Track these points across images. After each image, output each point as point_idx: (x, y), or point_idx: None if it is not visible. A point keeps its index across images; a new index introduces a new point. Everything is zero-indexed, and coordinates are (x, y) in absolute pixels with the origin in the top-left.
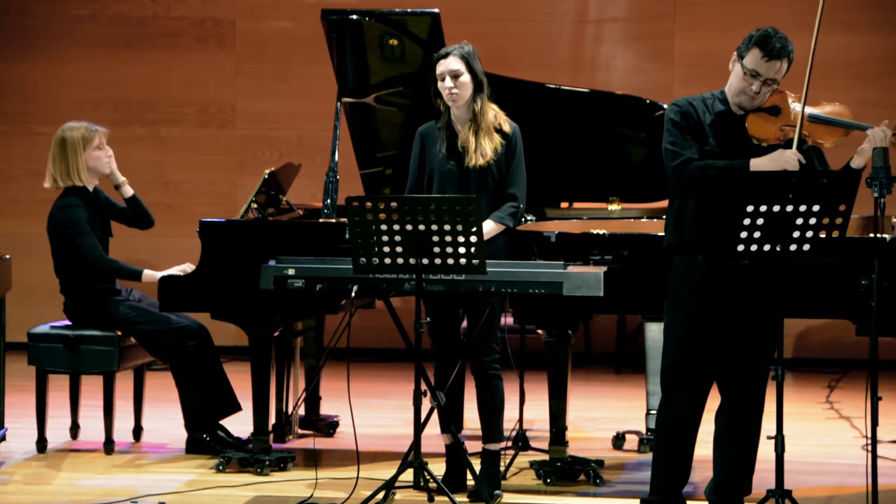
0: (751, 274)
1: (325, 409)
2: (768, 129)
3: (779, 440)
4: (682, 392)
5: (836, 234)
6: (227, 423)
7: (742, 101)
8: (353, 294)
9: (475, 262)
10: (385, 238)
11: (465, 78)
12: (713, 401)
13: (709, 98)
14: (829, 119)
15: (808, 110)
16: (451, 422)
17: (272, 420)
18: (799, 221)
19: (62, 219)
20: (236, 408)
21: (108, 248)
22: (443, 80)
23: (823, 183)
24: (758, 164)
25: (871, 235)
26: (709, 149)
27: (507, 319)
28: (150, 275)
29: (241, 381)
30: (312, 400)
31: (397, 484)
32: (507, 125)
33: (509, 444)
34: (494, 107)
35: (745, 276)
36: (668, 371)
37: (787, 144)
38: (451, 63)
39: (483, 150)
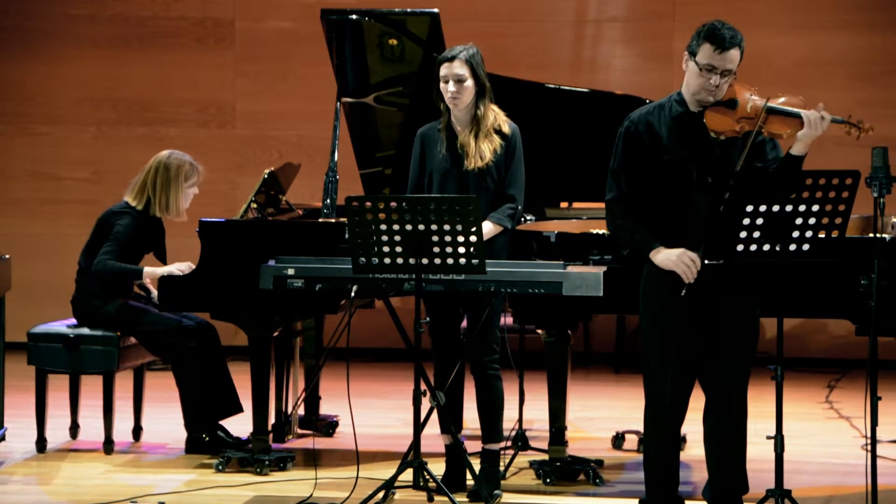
0: (728, 272)
1: (325, 408)
2: (726, 122)
3: (778, 440)
4: (663, 394)
5: (835, 233)
6: (226, 422)
7: (702, 97)
8: (352, 294)
9: (475, 261)
10: (385, 238)
11: (469, 83)
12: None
13: (665, 103)
14: (778, 109)
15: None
16: (451, 422)
17: (272, 420)
18: (798, 221)
19: (113, 219)
20: (237, 409)
21: (138, 259)
22: (446, 82)
23: (770, 173)
24: (657, 257)
25: (871, 235)
26: (666, 158)
27: (507, 319)
28: (151, 271)
29: (240, 381)
30: (312, 400)
31: (397, 484)
32: (507, 126)
33: (509, 443)
34: (495, 108)
35: (722, 275)
36: (647, 374)
37: (746, 138)
38: (456, 67)
39: (482, 152)
